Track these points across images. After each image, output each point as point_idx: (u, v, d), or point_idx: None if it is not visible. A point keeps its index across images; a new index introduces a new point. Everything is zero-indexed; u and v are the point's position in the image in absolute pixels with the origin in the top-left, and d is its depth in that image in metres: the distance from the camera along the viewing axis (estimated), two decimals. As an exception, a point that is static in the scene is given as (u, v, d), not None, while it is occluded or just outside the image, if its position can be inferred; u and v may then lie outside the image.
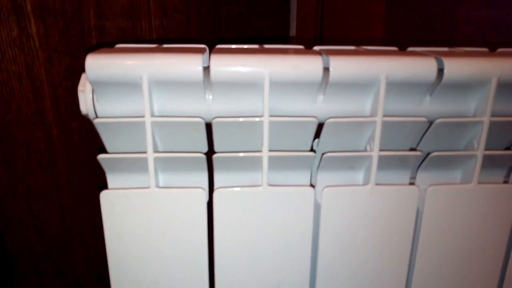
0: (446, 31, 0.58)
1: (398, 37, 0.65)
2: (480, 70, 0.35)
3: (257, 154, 0.36)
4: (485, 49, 0.40)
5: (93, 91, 0.35)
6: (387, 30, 0.66)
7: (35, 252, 0.65)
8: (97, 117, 0.36)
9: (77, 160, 0.60)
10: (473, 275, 0.41)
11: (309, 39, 0.74)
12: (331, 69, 0.34)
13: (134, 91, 0.34)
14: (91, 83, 0.34)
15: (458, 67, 0.35)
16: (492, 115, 0.36)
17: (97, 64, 0.33)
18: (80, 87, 0.36)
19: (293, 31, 0.76)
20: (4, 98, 0.55)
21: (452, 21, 0.57)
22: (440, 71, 0.35)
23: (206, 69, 0.34)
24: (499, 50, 0.40)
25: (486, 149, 0.37)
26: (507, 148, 0.40)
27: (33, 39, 0.53)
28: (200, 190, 0.37)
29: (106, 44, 0.55)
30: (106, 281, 0.38)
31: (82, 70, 0.35)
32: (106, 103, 0.36)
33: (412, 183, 0.40)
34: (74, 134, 0.59)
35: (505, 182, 0.40)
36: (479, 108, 0.37)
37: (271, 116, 0.35)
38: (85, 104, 0.36)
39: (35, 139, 0.58)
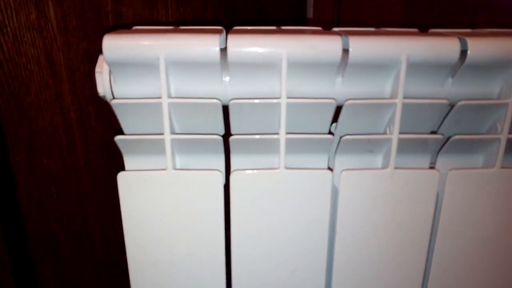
0: (469, 13, 0.57)
1: (419, 19, 0.63)
2: (506, 51, 0.34)
3: (275, 136, 0.36)
4: (510, 30, 0.38)
5: (110, 72, 0.35)
6: (407, 12, 0.64)
7: (54, 235, 0.66)
8: (114, 98, 0.36)
9: (95, 144, 0.61)
10: (494, 262, 0.40)
11: (326, 21, 0.73)
12: (350, 49, 0.33)
13: (151, 72, 0.34)
14: (108, 64, 0.34)
15: (482, 47, 0.34)
16: (517, 97, 0.35)
17: (114, 45, 0.33)
18: (97, 69, 0.36)
19: (310, 15, 0.75)
20: (24, 81, 0.56)
21: (475, 3, 0.56)
22: (463, 52, 0.34)
23: (223, 50, 0.33)
24: (525, 31, 0.38)
25: (510, 132, 0.36)
26: (532, 132, 0.38)
27: (51, 23, 0.53)
28: (217, 172, 0.36)
29: (123, 26, 0.55)
30: (124, 264, 0.38)
31: (100, 54, 0.35)
32: (123, 84, 0.36)
33: (432, 167, 0.39)
34: (92, 118, 0.59)
35: (529, 167, 0.39)
36: (503, 90, 0.36)
37: (288, 97, 0.34)
38: (102, 85, 0.36)
39: (54, 123, 0.58)
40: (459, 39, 0.34)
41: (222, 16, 0.68)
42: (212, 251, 0.39)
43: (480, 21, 0.55)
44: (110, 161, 0.62)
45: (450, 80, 0.36)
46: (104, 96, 0.36)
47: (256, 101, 0.35)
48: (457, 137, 0.37)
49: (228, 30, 0.35)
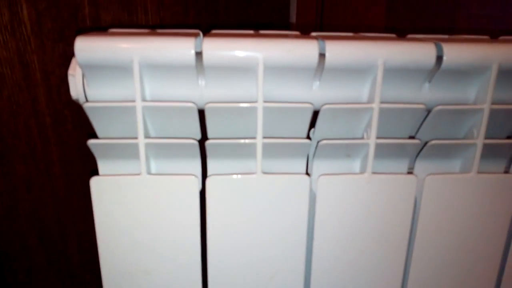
0: (449, 19, 0.57)
1: (400, 25, 0.64)
2: (481, 56, 0.34)
3: (251, 141, 0.35)
4: (486, 37, 0.39)
5: (83, 75, 0.34)
6: (388, 18, 0.65)
7: (28, 243, 0.64)
8: (87, 101, 0.35)
9: (71, 149, 0.60)
10: (472, 266, 0.40)
11: (308, 26, 0.73)
12: (327, 54, 0.33)
13: (125, 75, 0.33)
14: (81, 66, 0.33)
15: (458, 53, 0.34)
16: (493, 103, 0.35)
17: (86, 47, 0.32)
18: (70, 71, 0.35)
19: (293, 19, 0.75)
20: (-5, 85, 0.54)
21: (454, 10, 0.56)
22: (439, 57, 0.34)
23: (199, 54, 0.33)
24: (501, 37, 0.39)
25: (486, 138, 0.37)
26: (508, 137, 0.39)
27: (24, 25, 0.52)
28: (192, 177, 0.36)
29: (99, 28, 0.54)
30: (99, 271, 0.37)
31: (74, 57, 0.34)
32: (96, 87, 0.35)
33: (410, 172, 0.39)
34: (68, 123, 0.58)
35: (506, 172, 0.40)
36: (479, 95, 0.36)
37: (265, 102, 0.34)
38: (76, 88, 0.35)
39: (28, 128, 0.57)
40: (435, 44, 0.34)
41: (203, 21, 0.68)
42: (188, 258, 0.38)
43: (460, 27, 0.56)
44: (87, 166, 0.61)
45: (427, 85, 0.36)
46: (78, 100, 0.36)
47: (232, 105, 0.34)
48: (434, 142, 0.37)
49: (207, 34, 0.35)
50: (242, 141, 0.35)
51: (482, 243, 0.40)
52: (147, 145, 0.35)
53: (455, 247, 0.40)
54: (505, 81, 0.35)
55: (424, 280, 0.40)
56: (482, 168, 0.38)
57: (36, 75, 0.55)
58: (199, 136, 0.36)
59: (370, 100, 0.35)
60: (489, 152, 0.37)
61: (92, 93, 0.35)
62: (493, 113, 0.36)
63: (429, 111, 0.36)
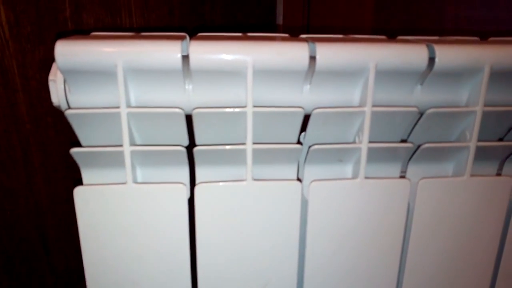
0: (437, 20, 0.57)
1: (388, 26, 0.63)
2: (473, 58, 0.34)
3: (241, 146, 0.34)
4: (476, 38, 0.39)
5: (65, 81, 0.33)
6: (376, 20, 0.64)
7: (9, 255, 0.62)
8: (69, 108, 0.33)
9: (53, 157, 0.58)
10: (466, 270, 0.40)
11: (296, 28, 0.72)
12: (317, 56, 0.32)
13: (109, 80, 0.32)
14: (62, 71, 0.32)
15: (449, 54, 0.34)
16: (485, 105, 0.35)
17: (67, 51, 0.31)
18: (51, 77, 0.33)
19: (280, 21, 0.75)
20: (-28, 91, 0.52)
21: (442, 11, 0.56)
22: (431, 59, 0.33)
23: (186, 58, 0.32)
24: (491, 39, 0.38)
25: (478, 140, 0.36)
26: (500, 139, 0.38)
27: (2, 28, 0.50)
28: (180, 185, 0.35)
29: (81, 32, 0.52)
30: (85, 283, 0.36)
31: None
32: (79, 93, 0.33)
33: (403, 176, 0.38)
34: (50, 129, 0.56)
35: (498, 174, 0.39)
36: (471, 97, 0.36)
37: (255, 106, 0.33)
38: (57, 94, 0.34)
39: (7, 135, 0.55)
40: (427, 46, 0.33)
41: (189, 24, 0.67)
42: (177, 268, 0.37)
43: (447, 28, 0.56)
44: (71, 174, 0.59)
45: (419, 87, 0.36)
46: (59, 106, 0.34)
47: (221, 110, 0.33)
48: (427, 145, 0.36)
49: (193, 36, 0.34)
50: (231, 147, 0.34)
51: (475, 246, 0.39)
52: (133, 153, 0.33)
53: (449, 251, 0.39)
54: (497, 83, 0.35)
55: (418, 285, 0.40)
56: (474, 170, 0.37)
57: (15, 80, 0.53)
58: (186, 143, 0.35)
59: (362, 104, 0.35)
60: (481, 154, 0.37)
61: (74, 99, 0.34)
62: (485, 115, 0.35)
63: (421, 114, 0.36)
